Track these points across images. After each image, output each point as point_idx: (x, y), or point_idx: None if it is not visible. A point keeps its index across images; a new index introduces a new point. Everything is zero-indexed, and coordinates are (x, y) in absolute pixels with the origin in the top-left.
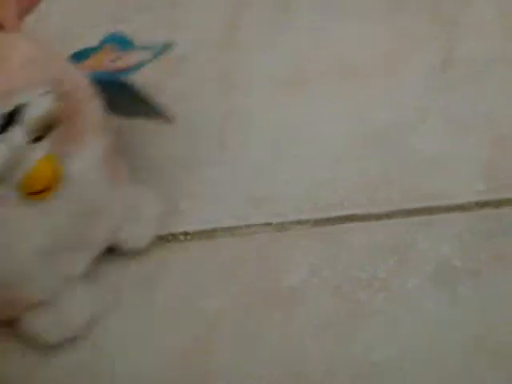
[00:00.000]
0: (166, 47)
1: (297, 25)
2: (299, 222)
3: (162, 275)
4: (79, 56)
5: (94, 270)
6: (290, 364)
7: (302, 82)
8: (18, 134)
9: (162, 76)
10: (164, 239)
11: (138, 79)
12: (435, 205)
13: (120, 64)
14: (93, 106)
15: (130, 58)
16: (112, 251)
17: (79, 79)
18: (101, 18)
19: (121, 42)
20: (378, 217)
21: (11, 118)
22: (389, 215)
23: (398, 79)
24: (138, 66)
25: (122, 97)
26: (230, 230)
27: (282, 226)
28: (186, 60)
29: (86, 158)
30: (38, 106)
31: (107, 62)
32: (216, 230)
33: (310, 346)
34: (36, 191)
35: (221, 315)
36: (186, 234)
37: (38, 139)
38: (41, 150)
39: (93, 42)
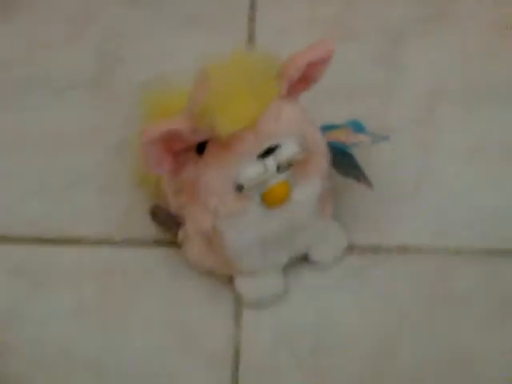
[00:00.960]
0: (384, 138)
1: None
2: None
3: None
4: (326, 128)
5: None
6: None
7: None
8: (272, 163)
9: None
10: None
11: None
12: None
13: (348, 139)
14: (323, 160)
15: (356, 138)
16: (305, 259)
17: (319, 140)
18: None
19: (355, 126)
20: None
21: (271, 151)
22: None
23: None
24: (357, 144)
25: (342, 161)
26: None
27: None
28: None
29: (309, 190)
30: (289, 149)
31: (341, 137)
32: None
33: None
34: (271, 202)
35: None
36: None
37: (281, 170)
38: (281, 177)
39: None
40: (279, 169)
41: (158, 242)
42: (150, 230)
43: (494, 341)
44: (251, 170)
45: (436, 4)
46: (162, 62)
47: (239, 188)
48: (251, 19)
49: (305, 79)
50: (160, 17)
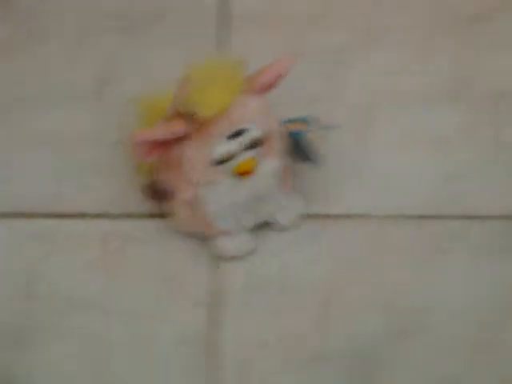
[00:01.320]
0: (333, 127)
1: None
2: None
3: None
4: (286, 121)
5: (256, 230)
6: None
7: None
8: (240, 142)
9: None
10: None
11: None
12: None
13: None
14: (279, 142)
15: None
16: (269, 225)
17: (276, 127)
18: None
19: (308, 119)
20: None
21: (239, 133)
22: None
23: None
24: (306, 132)
25: (298, 144)
26: None
27: None
28: None
29: (270, 165)
30: (254, 132)
31: (297, 126)
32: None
33: None
34: (240, 173)
35: None
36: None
37: (249, 148)
38: (249, 154)
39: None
40: (247, 148)
41: (149, 215)
42: (143, 205)
43: (423, 279)
44: (222, 148)
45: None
46: (150, 77)
47: (215, 162)
48: (220, 41)
49: (269, 86)
50: (147, 41)
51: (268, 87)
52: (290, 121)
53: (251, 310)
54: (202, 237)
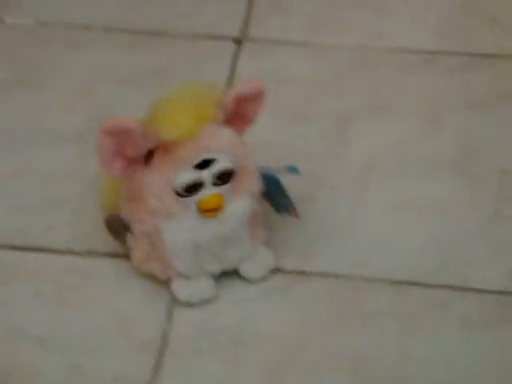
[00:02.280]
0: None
1: None
2: None
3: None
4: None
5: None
6: None
7: None
8: (206, 174)
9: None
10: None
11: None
12: None
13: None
14: (253, 181)
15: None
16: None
17: (250, 163)
18: None
19: (290, 169)
20: None
21: (207, 164)
22: None
23: None
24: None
25: (273, 189)
26: None
27: None
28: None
29: (240, 207)
30: (222, 164)
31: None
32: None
33: None
34: (204, 209)
35: None
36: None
37: (217, 183)
38: (216, 190)
39: None
40: (214, 183)
41: (112, 254)
42: (108, 244)
43: (392, 346)
44: (186, 175)
45: None
46: None
47: (177, 192)
48: None
49: (242, 117)
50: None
51: (245, 120)
52: (271, 168)
53: (201, 360)
54: (162, 279)
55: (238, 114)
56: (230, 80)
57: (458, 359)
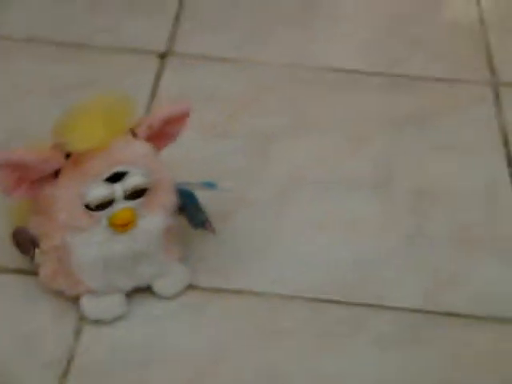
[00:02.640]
0: (213, 188)
1: None
2: None
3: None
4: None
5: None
6: None
7: None
8: (117, 188)
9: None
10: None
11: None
12: None
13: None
14: (168, 197)
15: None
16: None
17: (165, 178)
18: None
19: (208, 185)
20: None
21: (119, 178)
22: None
23: None
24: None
25: (189, 204)
26: None
27: None
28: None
29: (154, 222)
30: (134, 178)
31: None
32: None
33: None
34: (115, 224)
35: None
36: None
37: (129, 198)
38: (127, 204)
39: None
40: (127, 197)
41: (20, 271)
42: (16, 260)
43: (308, 364)
44: (97, 191)
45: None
46: None
47: (87, 206)
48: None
49: (165, 135)
50: None
51: (167, 138)
52: (188, 183)
53: (108, 382)
54: (71, 296)
55: (162, 133)
56: (153, 94)
57: (370, 377)
